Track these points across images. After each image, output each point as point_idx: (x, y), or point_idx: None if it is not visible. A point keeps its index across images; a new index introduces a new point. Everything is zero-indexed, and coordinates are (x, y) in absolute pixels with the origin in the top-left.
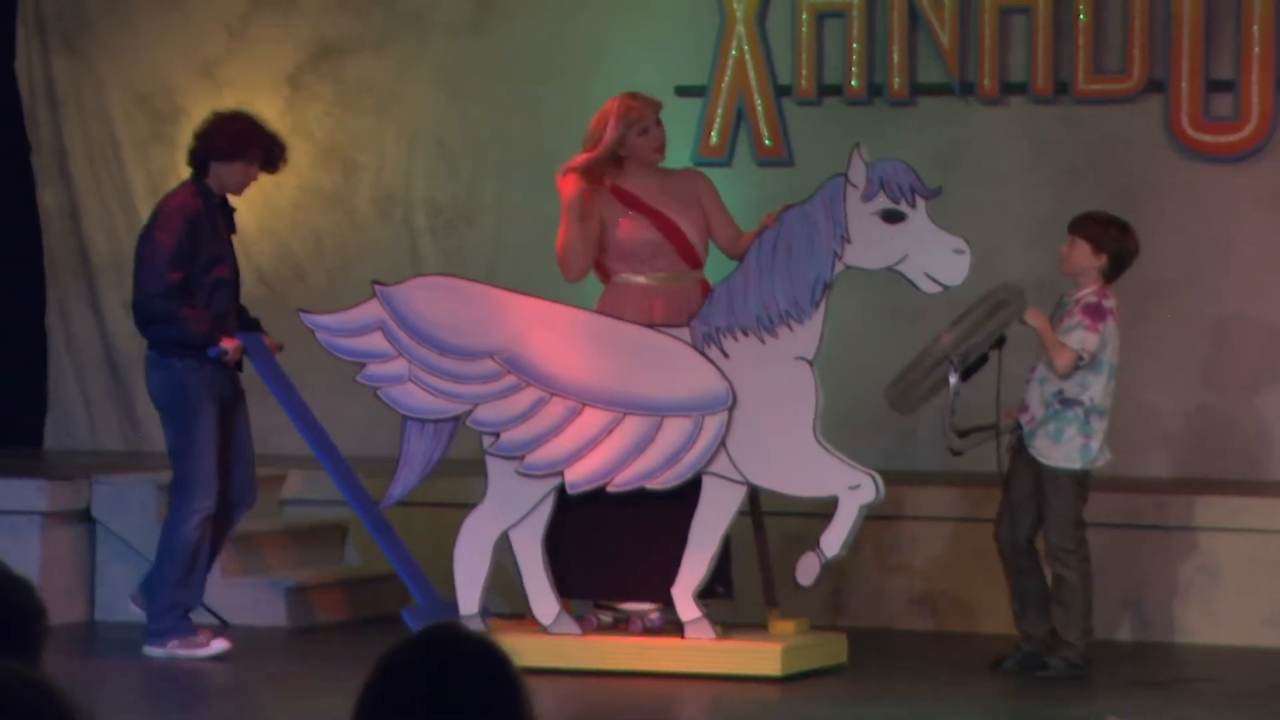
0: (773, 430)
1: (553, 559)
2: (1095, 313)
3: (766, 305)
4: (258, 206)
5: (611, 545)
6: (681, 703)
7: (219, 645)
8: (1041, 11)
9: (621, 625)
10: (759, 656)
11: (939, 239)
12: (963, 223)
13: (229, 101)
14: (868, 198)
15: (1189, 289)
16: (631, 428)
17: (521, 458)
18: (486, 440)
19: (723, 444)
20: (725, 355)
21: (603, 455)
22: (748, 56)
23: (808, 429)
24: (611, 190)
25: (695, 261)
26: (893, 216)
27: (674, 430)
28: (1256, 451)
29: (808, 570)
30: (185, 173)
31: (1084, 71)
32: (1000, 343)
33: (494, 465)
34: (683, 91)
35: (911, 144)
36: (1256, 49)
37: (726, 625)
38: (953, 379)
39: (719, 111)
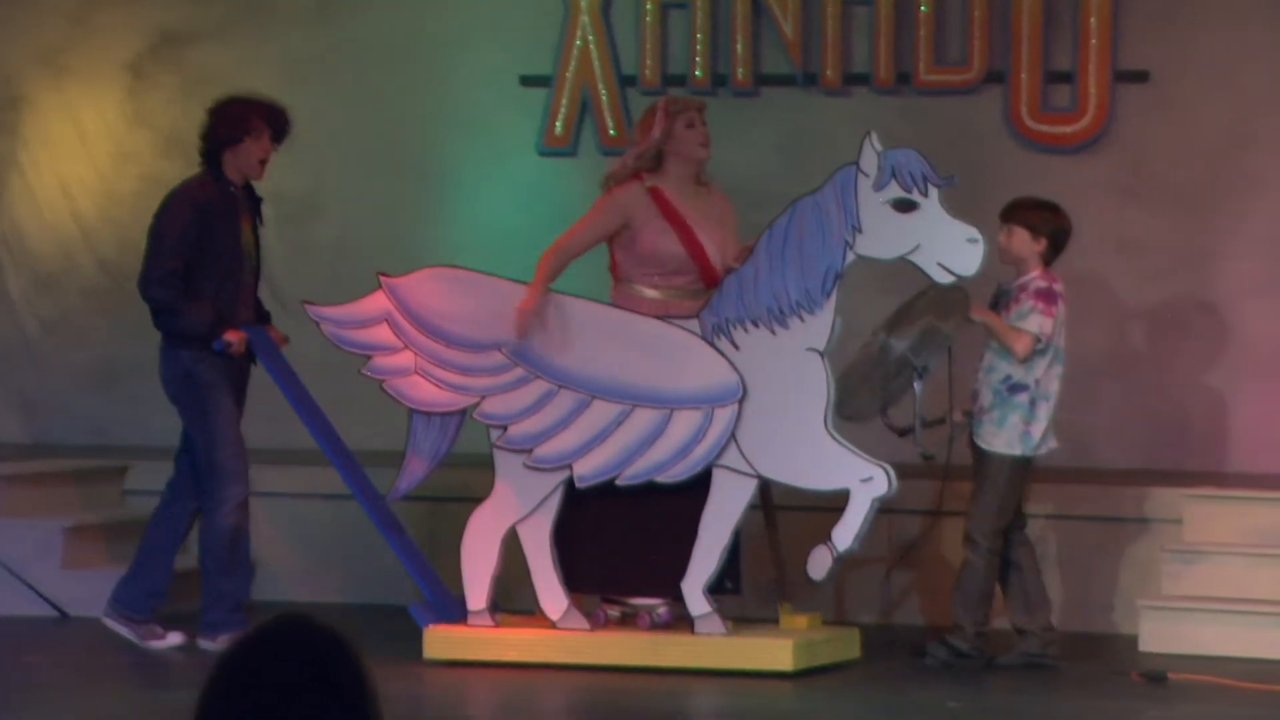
0: (784, 423)
1: (561, 553)
2: (1048, 296)
3: (777, 296)
4: (99, 195)
5: (620, 539)
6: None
7: None
8: (883, 3)
9: (630, 620)
10: (770, 651)
11: (952, 228)
12: None
13: (69, 90)
14: (879, 186)
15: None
16: (641, 420)
17: (530, 451)
18: (494, 433)
19: (733, 436)
20: (735, 347)
21: (612, 448)
22: (592, 46)
23: (819, 421)
24: (650, 191)
25: (714, 282)
26: (905, 205)
27: (684, 423)
28: (1089, 439)
29: (819, 564)
30: (23, 161)
31: (925, 63)
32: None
33: (502, 459)
34: (527, 81)
35: (755, 134)
36: (1094, 40)
37: (737, 620)
38: (917, 385)
39: (564, 101)
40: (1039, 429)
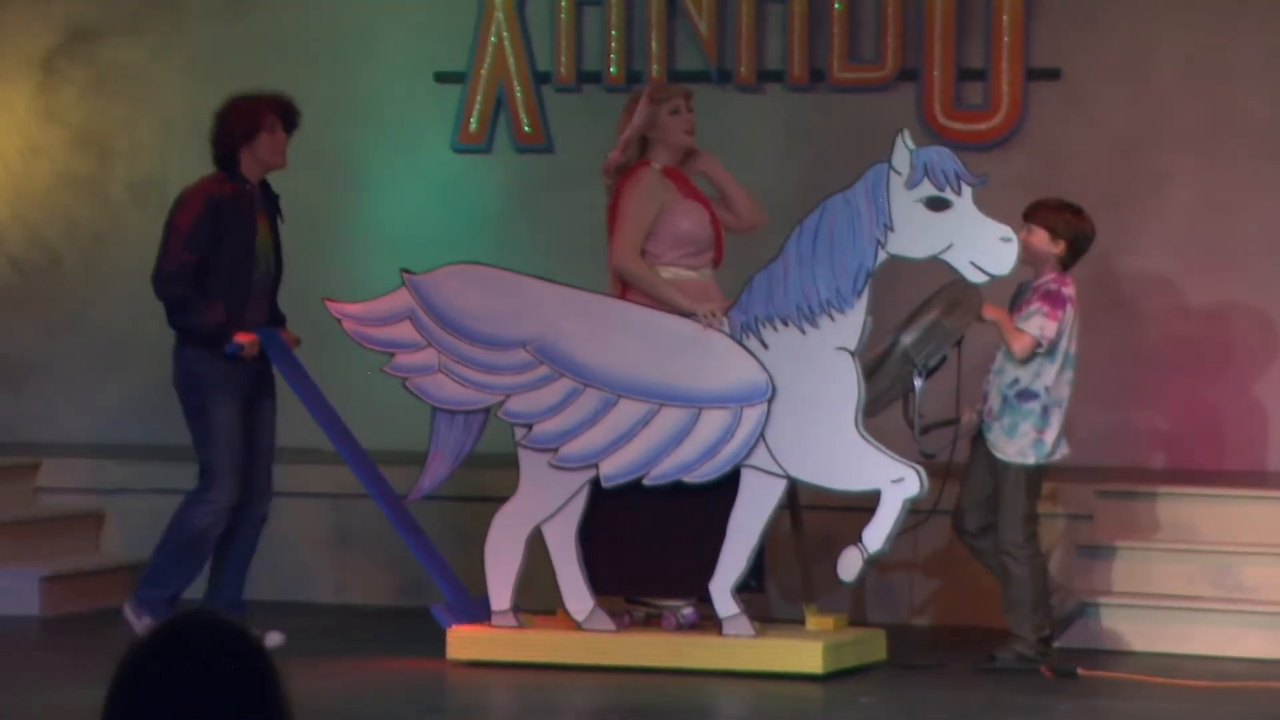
0: (813, 422)
1: (586, 553)
2: (1055, 299)
3: (807, 294)
4: (10, 192)
5: (646, 540)
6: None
7: None
8: (797, 1)
9: (654, 621)
10: (799, 653)
11: (985, 227)
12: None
13: None
14: (912, 184)
15: (945, 275)
16: (668, 420)
17: (555, 450)
18: (519, 432)
19: (762, 436)
20: (765, 346)
21: (639, 448)
22: (507, 43)
23: (849, 421)
24: (665, 172)
25: (721, 259)
26: (937, 204)
27: (712, 422)
28: None
29: (849, 566)
30: None
31: (839, 60)
32: (958, 341)
33: (527, 458)
34: (442, 78)
35: None
36: (1006, 38)
37: (762, 621)
38: (918, 381)
39: (478, 98)
40: (1052, 435)
